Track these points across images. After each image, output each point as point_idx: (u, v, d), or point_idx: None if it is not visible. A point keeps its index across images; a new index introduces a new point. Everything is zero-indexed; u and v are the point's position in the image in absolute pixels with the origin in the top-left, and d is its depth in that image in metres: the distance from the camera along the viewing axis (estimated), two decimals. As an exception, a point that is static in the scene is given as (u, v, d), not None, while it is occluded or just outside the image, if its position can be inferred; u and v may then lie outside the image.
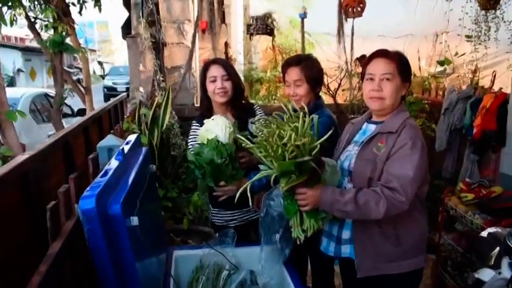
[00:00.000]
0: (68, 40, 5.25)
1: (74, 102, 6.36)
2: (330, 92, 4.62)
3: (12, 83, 15.62)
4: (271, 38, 6.69)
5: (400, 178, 1.48)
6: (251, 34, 6.62)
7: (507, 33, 4.05)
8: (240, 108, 2.10)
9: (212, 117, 1.92)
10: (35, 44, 10.11)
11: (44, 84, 18.53)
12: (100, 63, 32.00)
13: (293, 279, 1.68)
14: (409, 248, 1.61)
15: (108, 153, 2.03)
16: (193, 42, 4.43)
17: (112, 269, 1.17)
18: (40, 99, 5.68)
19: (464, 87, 4.12)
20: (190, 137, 2.13)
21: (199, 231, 3.14)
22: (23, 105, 5.05)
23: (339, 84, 4.67)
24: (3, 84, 3.78)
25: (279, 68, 3.73)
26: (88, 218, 1.11)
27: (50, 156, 2.26)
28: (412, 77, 1.72)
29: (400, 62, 1.60)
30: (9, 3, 4.63)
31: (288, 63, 2.07)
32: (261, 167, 1.59)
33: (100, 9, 5.75)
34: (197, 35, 4.56)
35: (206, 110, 2.11)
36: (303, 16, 5.19)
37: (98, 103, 6.91)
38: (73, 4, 5.45)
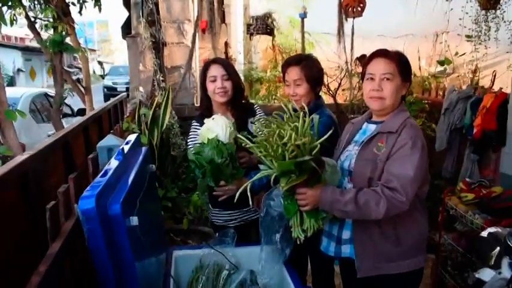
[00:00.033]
0: (67, 40, 5.25)
1: (74, 102, 6.35)
2: (330, 91, 4.63)
3: (12, 82, 15.64)
4: (271, 37, 6.70)
5: (401, 178, 1.48)
6: (251, 34, 6.63)
7: (507, 33, 4.05)
8: (240, 108, 2.09)
9: (212, 117, 1.92)
10: (35, 44, 10.10)
11: (44, 84, 18.53)
12: (100, 63, 31.99)
13: (293, 279, 1.68)
14: (409, 248, 1.61)
15: (108, 153, 2.03)
16: (193, 42, 4.44)
17: (112, 269, 1.17)
18: (40, 99, 5.67)
19: (464, 87, 4.12)
20: (190, 136, 2.13)
21: (199, 231, 3.14)
22: (22, 105, 5.04)
23: (339, 84, 4.67)
24: (3, 83, 3.76)
25: (279, 68, 3.73)
26: (88, 218, 1.11)
27: (50, 156, 2.26)
28: (412, 76, 1.72)
29: (400, 62, 1.60)
30: (9, 3, 4.62)
31: (288, 63, 2.07)
32: (261, 166, 1.59)
33: (100, 9, 5.74)
34: (197, 34, 4.56)
35: (206, 110, 2.10)
36: (303, 16, 5.19)
37: (98, 103, 6.91)
38: (73, 4, 5.44)
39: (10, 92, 4.57)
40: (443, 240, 2.77)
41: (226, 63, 2.14)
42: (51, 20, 5.06)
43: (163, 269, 1.74)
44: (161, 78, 4.03)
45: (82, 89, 6.15)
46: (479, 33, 4.10)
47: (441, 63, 4.86)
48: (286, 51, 6.50)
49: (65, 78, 5.41)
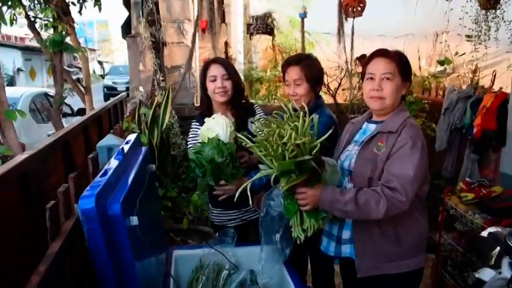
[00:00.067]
0: (67, 39, 5.25)
1: (74, 101, 6.35)
2: (330, 91, 4.62)
3: (12, 82, 15.63)
4: (271, 37, 6.70)
5: (401, 178, 1.48)
6: (251, 33, 6.63)
7: (507, 33, 4.05)
8: (240, 107, 2.09)
9: (213, 116, 1.92)
10: (34, 44, 10.11)
11: (44, 83, 18.52)
12: (100, 62, 31.97)
13: (293, 279, 1.68)
14: (409, 247, 1.61)
15: (108, 153, 2.03)
16: (193, 42, 4.44)
17: (111, 268, 1.17)
18: (40, 99, 5.67)
19: (464, 86, 4.12)
20: (190, 136, 2.13)
21: (199, 231, 3.13)
22: (22, 105, 5.04)
23: (339, 84, 4.67)
24: (3, 83, 3.77)
25: (279, 68, 3.73)
26: (87, 218, 1.11)
27: (50, 156, 2.26)
28: (412, 76, 1.71)
29: (400, 62, 1.60)
30: (9, 3, 4.62)
31: (288, 63, 2.06)
32: (261, 166, 1.59)
33: (100, 9, 5.75)
34: (197, 34, 4.56)
35: (206, 110, 2.10)
36: (303, 16, 5.19)
37: (98, 102, 6.90)
38: (73, 3, 5.44)
39: (10, 91, 4.58)
40: (443, 240, 2.77)
41: (226, 62, 2.14)
42: (51, 19, 5.06)
43: (163, 269, 1.74)
44: (161, 78, 4.03)
45: (82, 88, 6.16)
46: (479, 33, 4.10)
47: (441, 63, 4.86)
48: (286, 51, 6.50)
49: (65, 78, 5.42)
